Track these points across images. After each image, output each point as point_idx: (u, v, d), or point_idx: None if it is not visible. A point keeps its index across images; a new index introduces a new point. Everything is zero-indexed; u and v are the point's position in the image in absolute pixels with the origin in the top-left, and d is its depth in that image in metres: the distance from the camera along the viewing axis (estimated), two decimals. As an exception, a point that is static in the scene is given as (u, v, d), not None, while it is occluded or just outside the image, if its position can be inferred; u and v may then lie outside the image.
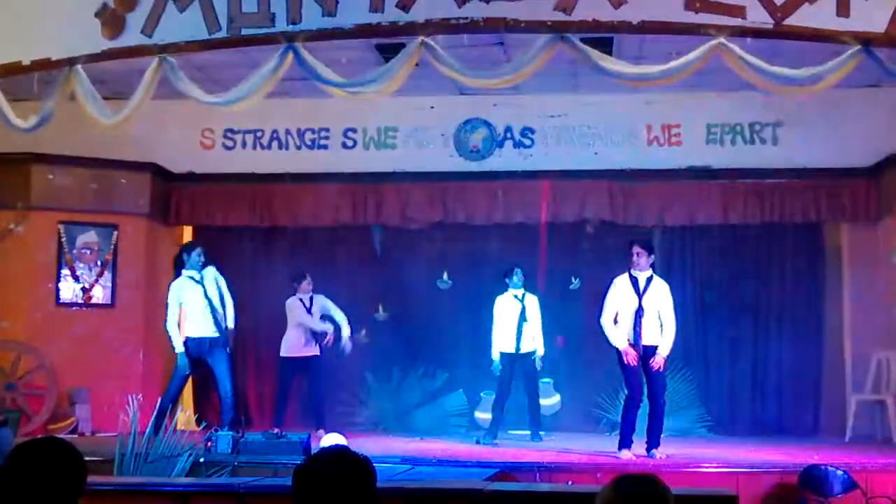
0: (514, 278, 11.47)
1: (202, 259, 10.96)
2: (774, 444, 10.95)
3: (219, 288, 10.96)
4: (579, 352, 12.90)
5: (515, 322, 11.35)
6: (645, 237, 10.41)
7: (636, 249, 9.71)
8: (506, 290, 11.52)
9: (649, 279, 9.72)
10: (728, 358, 13.02)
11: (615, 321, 9.71)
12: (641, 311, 9.61)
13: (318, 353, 12.04)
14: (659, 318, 9.69)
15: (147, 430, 9.04)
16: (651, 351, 9.58)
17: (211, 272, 11.00)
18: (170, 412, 9.66)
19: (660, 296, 9.73)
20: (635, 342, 9.55)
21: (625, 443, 9.61)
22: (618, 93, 12.17)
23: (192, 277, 10.90)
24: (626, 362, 9.55)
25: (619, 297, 9.73)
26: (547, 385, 12.70)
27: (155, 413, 9.26)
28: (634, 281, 9.70)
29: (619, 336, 9.63)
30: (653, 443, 9.55)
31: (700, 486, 7.90)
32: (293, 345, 12.05)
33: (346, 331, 11.99)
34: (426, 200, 13.02)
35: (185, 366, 10.85)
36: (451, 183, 13.02)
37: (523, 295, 11.52)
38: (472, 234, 13.46)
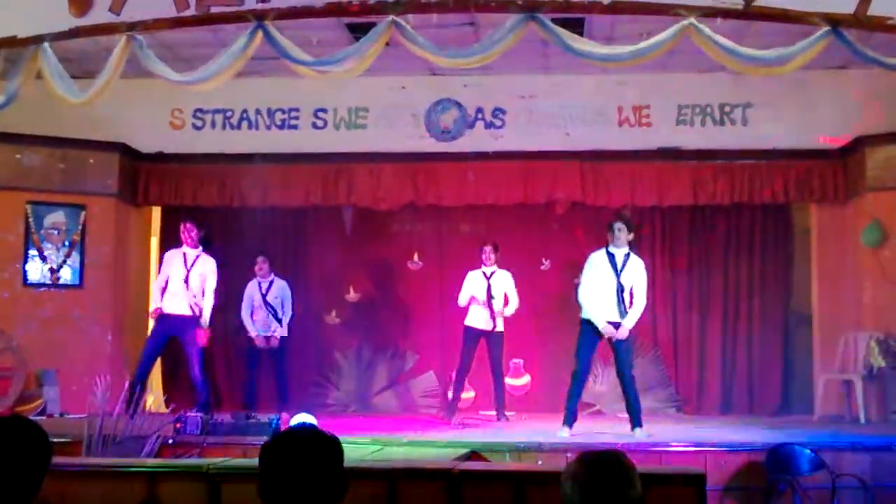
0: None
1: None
2: (743, 424, 11.04)
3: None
4: (549, 333, 12.94)
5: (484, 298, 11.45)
6: (625, 214, 10.38)
7: (618, 225, 9.70)
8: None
9: (627, 256, 9.72)
10: (697, 338, 13.08)
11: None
12: (622, 288, 9.62)
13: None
14: (630, 293, 9.69)
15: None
16: (617, 327, 9.60)
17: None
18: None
19: (637, 274, 9.72)
20: (622, 315, 9.57)
21: (567, 419, 9.66)
22: (589, 74, 12.19)
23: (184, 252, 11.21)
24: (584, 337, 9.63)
25: (595, 272, 9.69)
26: (517, 365, 12.75)
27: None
28: (611, 257, 9.69)
29: (598, 313, 9.59)
30: (635, 421, 9.56)
31: (668, 464, 7.94)
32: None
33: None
34: (397, 181, 12.98)
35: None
36: (422, 164, 12.99)
37: (491, 272, 11.56)
38: (442, 214, 13.46)
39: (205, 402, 10.45)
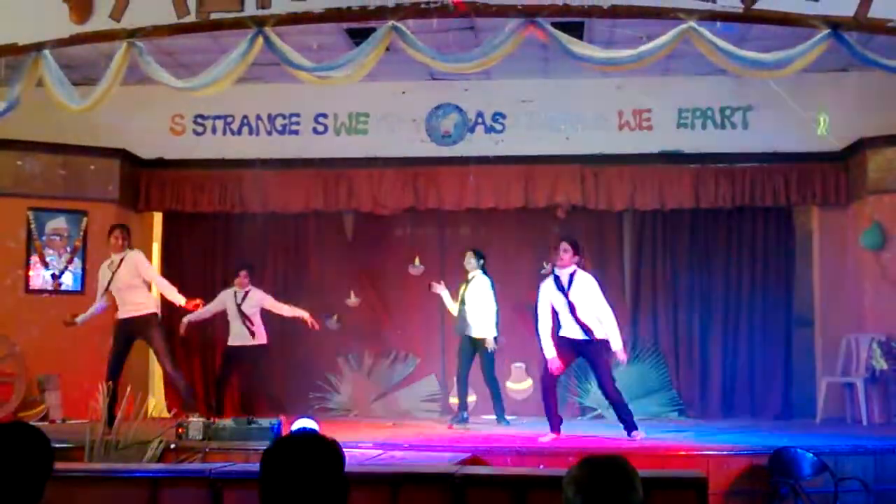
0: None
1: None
2: (745, 427, 11.02)
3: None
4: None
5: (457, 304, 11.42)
6: (570, 237, 10.42)
7: (563, 246, 9.78)
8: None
9: (572, 275, 9.74)
10: (699, 341, 13.05)
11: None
12: (573, 306, 9.64)
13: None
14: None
15: None
16: (581, 344, 9.65)
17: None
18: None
19: (585, 290, 9.74)
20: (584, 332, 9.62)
21: (550, 426, 9.71)
22: (589, 77, 12.20)
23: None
24: (550, 371, 9.70)
25: (547, 300, 9.79)
26: (519, 369, 12.75)
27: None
28: (557, 279, 9.76)
29: (549, 346, 9.70)
30: (629, 427, 9.58)
31: (670, 468, 7.93)
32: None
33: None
34: (398, 186, 13.01)
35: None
36: (423, 168, 13.02)
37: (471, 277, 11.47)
38: (443, 219, 13.46)
39: (186, 391, 10.40)
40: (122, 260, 10.57)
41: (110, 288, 10.57)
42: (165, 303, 11.24)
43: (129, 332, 10.66)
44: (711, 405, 12.86)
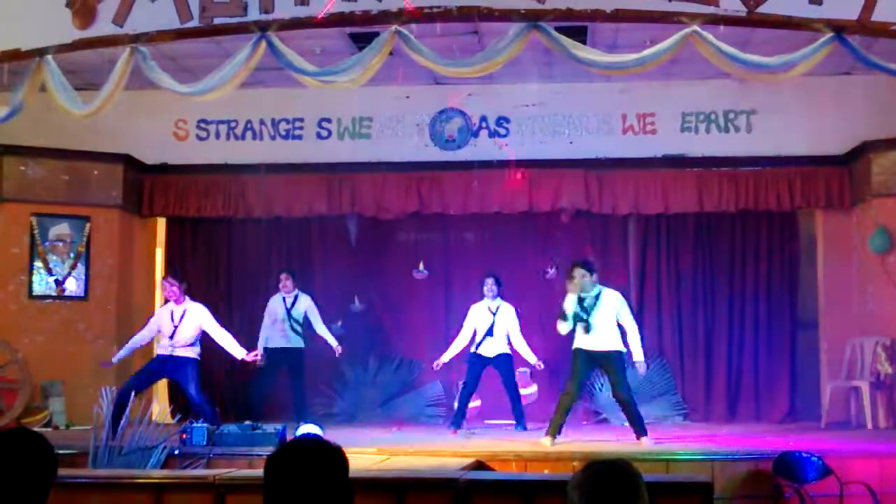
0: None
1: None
2: (750, 431, 11.00)
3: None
4: (556, 341, 12.88)
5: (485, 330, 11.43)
6: (583, 260, 10.46)
7: (580, 272, 9.84)
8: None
9: (596, 296, 9.85)
10: (704, 345, 13.04)
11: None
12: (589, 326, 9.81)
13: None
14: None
15: None
16: (603, 356, 9.77)
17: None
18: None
19: (611, 306, 9.87)
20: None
21: (551, 431, 9.73)
22: (592, 81, 12.19)
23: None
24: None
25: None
26: (524, 375, 12.71)
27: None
28: (581, 300, 9.85)
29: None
30: (639, 431, 9.62)
31: (675, 472, 7.92)
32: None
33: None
34: (401, 190, 13.00)
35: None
36: (427, 173, 13.01)
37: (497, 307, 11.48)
38: (447, 223, 13.45)
39: (211, 418, 10.38)
40: (184, 312, 10.60)
41: (173, 341, 10.58)
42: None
43: (165, 370, 10.71)
44: (716, 409, 12.85)
